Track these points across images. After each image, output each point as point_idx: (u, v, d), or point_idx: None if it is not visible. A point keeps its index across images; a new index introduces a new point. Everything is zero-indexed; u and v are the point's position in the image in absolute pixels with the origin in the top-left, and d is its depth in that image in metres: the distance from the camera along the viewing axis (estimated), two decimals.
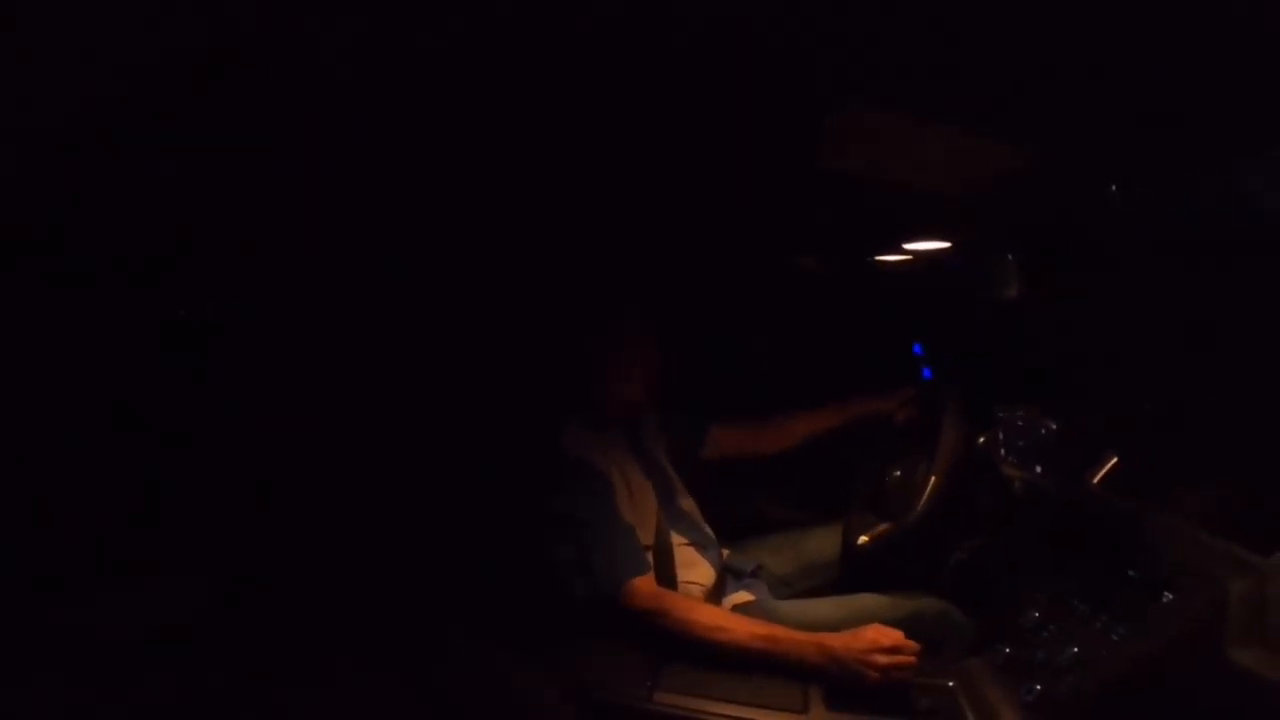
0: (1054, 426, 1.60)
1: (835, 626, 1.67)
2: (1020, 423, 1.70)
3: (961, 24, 0.71)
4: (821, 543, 2.24)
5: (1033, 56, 0.74)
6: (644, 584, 1.68)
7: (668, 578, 1.83)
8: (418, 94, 1.03)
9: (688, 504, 2.10)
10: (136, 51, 0.85)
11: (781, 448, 2.33)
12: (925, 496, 1.88)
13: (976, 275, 2.17)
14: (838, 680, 1.52)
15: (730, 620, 1.66)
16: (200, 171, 1.14)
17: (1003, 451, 1.75)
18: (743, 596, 1.97)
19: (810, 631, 1.64)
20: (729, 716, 1.46)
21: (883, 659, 1.50)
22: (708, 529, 2.08)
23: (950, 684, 1.53)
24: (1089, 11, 0.65)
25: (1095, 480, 1.63)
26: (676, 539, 1.92)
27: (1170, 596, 1.31)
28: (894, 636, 1.53)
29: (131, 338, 1.36)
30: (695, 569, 1.91)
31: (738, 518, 2.28)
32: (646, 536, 1.82)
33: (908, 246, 2.19)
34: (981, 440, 1.89)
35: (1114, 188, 1.19)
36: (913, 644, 1.53)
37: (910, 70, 0.84)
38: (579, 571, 1.68)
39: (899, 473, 2.11)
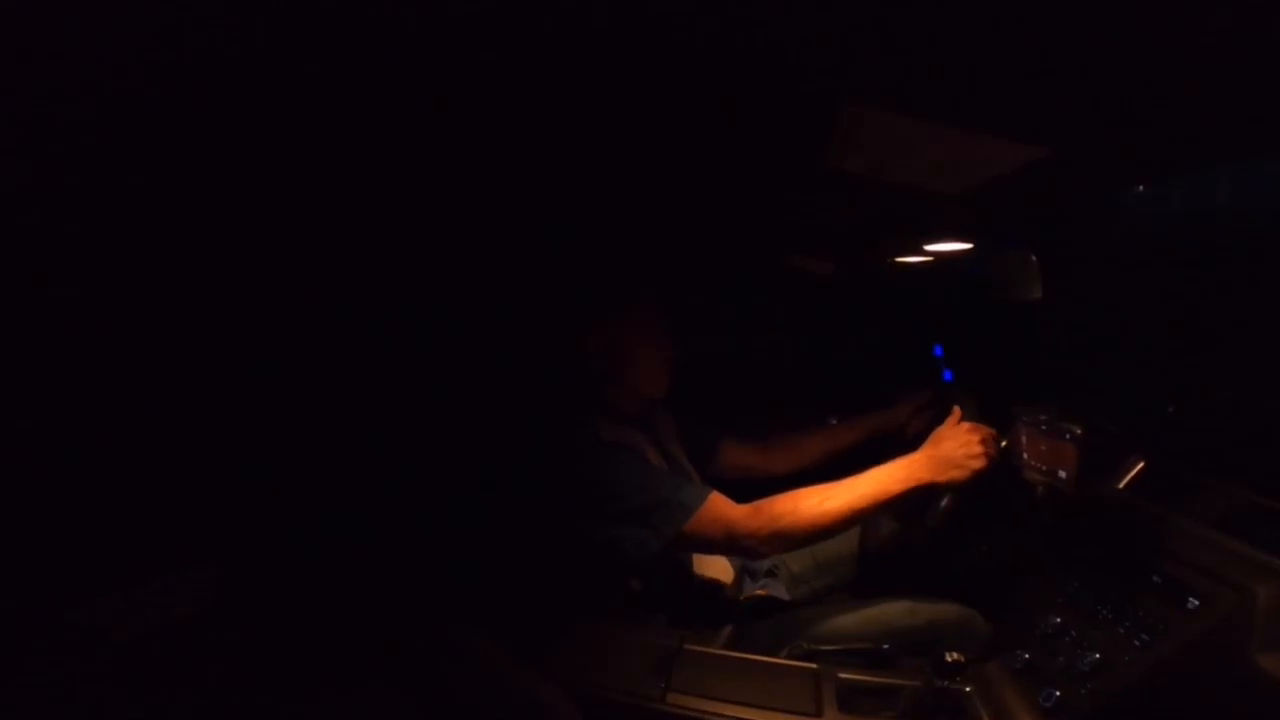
0: (1077, 430, 1.57)
1: (854, 632, 1.66)
2: (1042, 425, 1.68)
3: (962, 23, 0.70)
4: (838, 541, 2.22)
5: (1034, 56, 0.73)
6: (720, 499, 1.68)
7: (683, 572, 1.82)
8: (421, 94, 1.03)
9: None
10: (137, 51, 0.85)
11: (795, 467, 2.30)
12: (945, 498, 1.86)
13: (997, 276, 2.15)
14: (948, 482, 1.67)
15: (825, 489, 1.67)
16: (200, 171, 1.15)
17: (1024, 454, 1.73)
18: (760, 594, 1.97)
19: (830, 636, 1.64)
20: (743, 719, 1.45)
21: (979, 448, 1.66)
22: None
23: (968, 689, 1.51)
24: (1090, 11, 0.63)
25: (1121, 484, 1.61)
26: None
27: (1195, 602, 1.28)
28: (979, 434, 1.69)
29: (131, 337, 1.37)
30: (713, 565, 1.90)
31: None
32: None
33: (927, 248, 2.17)
34: (1003, 442, 1.87)
35: (1127, 189, 1.18)
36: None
37: (910, 70, 0.83)
38: (640, 525, 1.65)
39: None
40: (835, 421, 2.39)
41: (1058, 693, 1.39)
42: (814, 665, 1.57)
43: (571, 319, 1.88)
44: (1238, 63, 0.68)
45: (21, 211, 1.07)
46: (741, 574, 1.99)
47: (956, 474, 1.65)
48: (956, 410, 1.77)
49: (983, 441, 1.66)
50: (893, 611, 1.84)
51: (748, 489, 2.31)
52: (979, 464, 1.65)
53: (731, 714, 1.45)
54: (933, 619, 1.81)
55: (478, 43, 0.89)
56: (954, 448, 1.66)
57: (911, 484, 1.64)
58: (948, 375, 2.79)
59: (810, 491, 1.67)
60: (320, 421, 1.71)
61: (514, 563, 1.79)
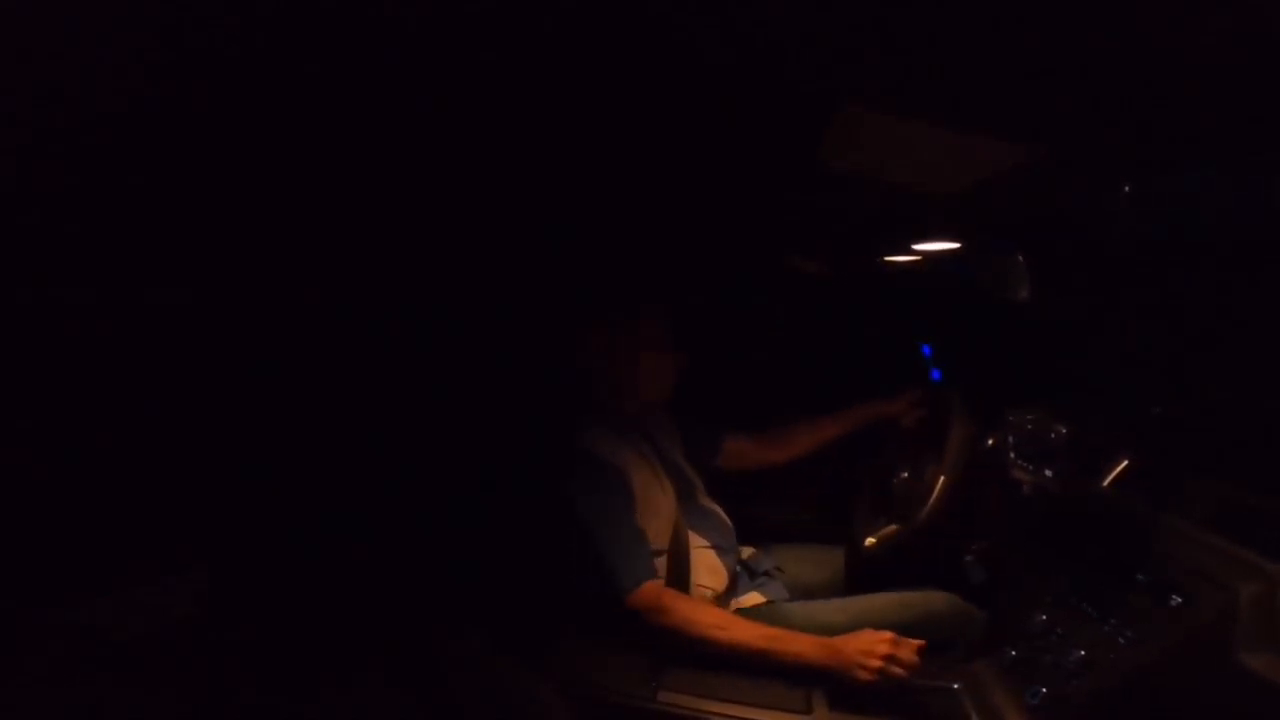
0: (1063, 429, 1.59)
1: (845, 628, 1.66)
2: (1029, 425, 1.69)
3: (962, 23, 0.71)
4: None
5: (1034, 55, 0.74)
6: (650, 588, 1.65)
7: (681, 581, 1.82)
8: (421, 94, 1.03)
9: (709, 504, 2.09)
10: (137, 51, 0.85)
11: (793, 456, 2.33)
12: (934, 498, 1.86)
13: (986, 276, 2.16)
14: (836, 678, 1.51)
15: (731, 619, 1.64)
16: (199, 171, 1.14)
17: (1011, 454, 1.74)
18: (753, 599, 1.97)
19: (822, 632, 1.64)
20: (732, 717, 1.45)
21: (876, 661, 1.48)
22: (731, 530, 2.07)
23: (955, 686, 1.53)
24: (1090, 10, 0.64)
25: (1106, 483, 1.62)
26: (698, 541, 1.91)
27: (1179, 600, 1.29)
28: (889, 638, 1.51)
29: (131, 338, 1.37)
30: (712, 574, 1.89)
31: (742, 519, 2.27)
32: (661, 540, 1.79)
33: (916, 247, 2.18)
34: (990, 442, 1.88)
35: (1126, 188, 1.18)
36: (915, 641, 1.51)
37: (910, 70, 0.83)
38: (590, 569, 1.65)
39: (906, 474, 2.10)
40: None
41: (1045, 690, 1.40)
42: None
43: (571, 319, 1.88)
44: (1238, 63, 0.68)
45: (21, 211, 1.06)
46: (739, 575, 1.99)
47: (839, 669, 1.52)
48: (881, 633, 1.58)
49: (885, 658, 1.49)
50: (885, 606, 1.85)
51: (750, 481, 2.34)
52: (864, 676, 1.48)
53: (722, 712, 1.46)
54: (926, 611, 1.82)
55: (478, 43, 0.89)
56: (858, 649, 1.52)
57: (795, 658, 1.55)
58: (935, 375, 2.81)
59: (716, 613, 1.66)
60: (320, 421, 1.71)
61: (512, 563, 1.79)
